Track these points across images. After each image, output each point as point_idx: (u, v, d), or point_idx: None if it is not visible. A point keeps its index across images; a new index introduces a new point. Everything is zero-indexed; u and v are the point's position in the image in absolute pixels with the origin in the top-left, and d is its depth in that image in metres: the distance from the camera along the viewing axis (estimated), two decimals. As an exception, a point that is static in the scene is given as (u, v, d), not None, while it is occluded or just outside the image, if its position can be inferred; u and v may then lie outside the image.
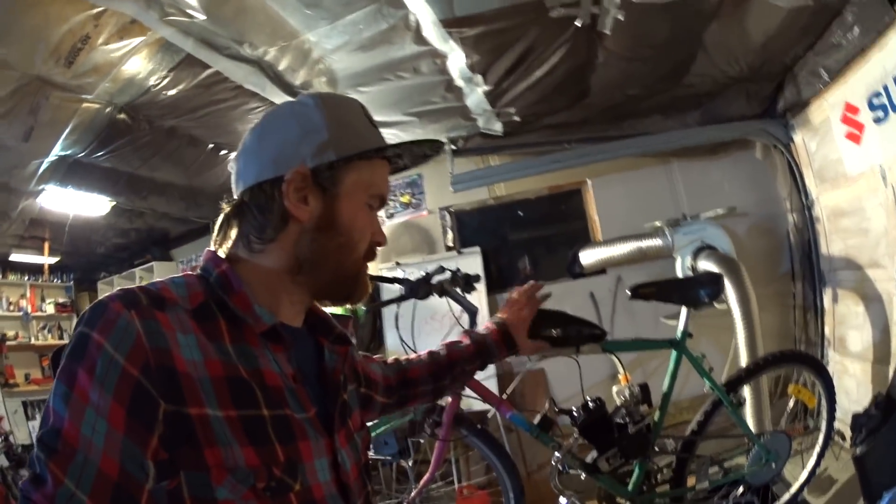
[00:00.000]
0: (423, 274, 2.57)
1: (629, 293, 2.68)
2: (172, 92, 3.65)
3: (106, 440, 0.81)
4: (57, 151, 4.20)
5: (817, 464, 3.07)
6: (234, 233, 1.10)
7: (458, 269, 2.67)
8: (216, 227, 1.12)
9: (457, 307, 2.64)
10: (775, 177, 4.40)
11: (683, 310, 2.75)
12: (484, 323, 1.93)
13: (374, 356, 1.58)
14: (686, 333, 2.75)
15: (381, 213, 4.77)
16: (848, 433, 3.16)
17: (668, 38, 3.34)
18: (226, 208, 1.12)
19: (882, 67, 2.98)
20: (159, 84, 3.59)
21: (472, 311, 2.63)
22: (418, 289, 2.51)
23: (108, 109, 3.84)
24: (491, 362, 1.84)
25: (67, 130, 3.94)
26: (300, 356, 1.09)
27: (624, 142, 4.40)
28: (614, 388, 2.79)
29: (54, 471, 0.80)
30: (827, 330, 4.03)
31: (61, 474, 0.80)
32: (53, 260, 6.67)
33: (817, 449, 3.09)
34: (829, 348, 3.98)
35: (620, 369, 2.76)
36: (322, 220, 1.06)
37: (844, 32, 3.16)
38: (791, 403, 3.58)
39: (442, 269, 2.58)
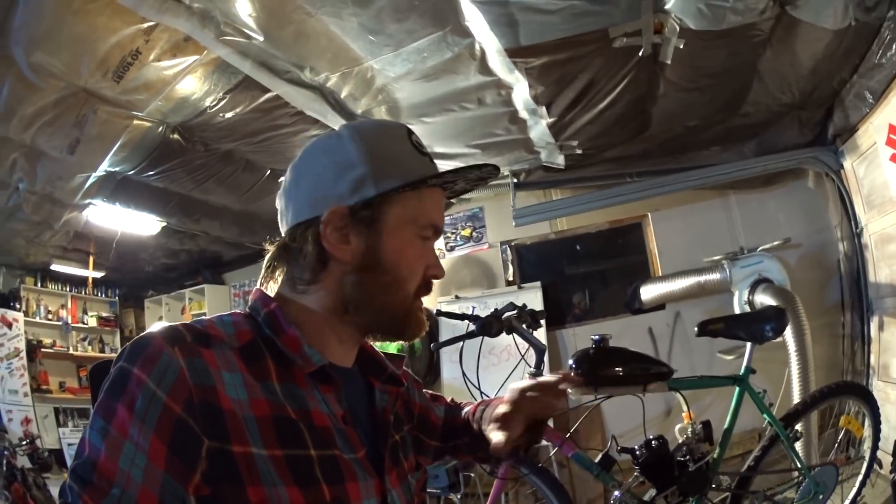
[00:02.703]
0: (494, 310, 2.57)
1: (697, 330, 2.69)
2: (229, 115, 3.61)
3: (145, 475, 0.79)
4: (105, 167, 4.18)
5: (859, 492, 3.09)
6: (279, 273, 1.07)
7: (525, 306, 2.67)
8: (263, 267, 1.10)
9: (522, 343, 2.64)
10: (826, 205, 4.40)
11: (748, 346, 2.75)
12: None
13: (438, 395, 1.46)
14: (749, 369, 2.75)
15: (441, 246, 4.75)
16: (886, 459, 3.19)
17: (725, 66, 3.37)
18: (270, 249, 1.09)
19: None
20: (215, 106, 3.55)
21: (540, 350, 2.63)
22: (491, 326, 2.51)
23: (160, 128, 3.81)
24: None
25: (116, 146, 3.90)
26: (350, 396, 1.04)
27: (683, 174, 4.42)
28: (677, 426, 2.78)
29: (88, 503, 0.78)
30: (872, 358, 4.02)
31: None
32: (98, 274, 6.69)
33: (860, 478, 3.11)
34: (874, 377, 3.97)
35: (684, 407, 2.76)
36: (366, 258, 1.01)
37: (884, 51, 3.21)
38: (841, 435, 3.54)
39: (513, 307, 2.57)
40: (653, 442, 2.59)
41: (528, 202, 4.68)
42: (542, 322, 2.79)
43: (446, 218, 5.07)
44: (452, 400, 1.49)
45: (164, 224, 5.31)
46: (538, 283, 4.91)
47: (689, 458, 2.63)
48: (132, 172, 4.30)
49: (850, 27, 3.04)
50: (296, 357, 0.96)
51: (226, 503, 0.84)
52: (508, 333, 2.59)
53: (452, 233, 5.26)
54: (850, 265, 4.23)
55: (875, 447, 3.03)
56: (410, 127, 1.10)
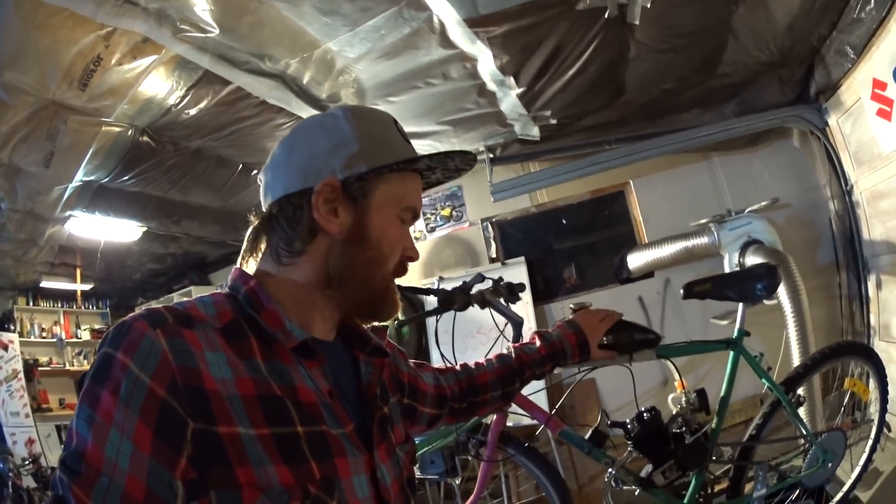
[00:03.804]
0: (461, 284, 2.39)
1: (683, 293, 2.51)
2: (194, 111, 3.52)
3: (131, 462, 0.78)
4: (80, 177, 4.11)
5: (869, 458, 2.91)
6: (262, 246, 1.07)
7: (501, 278, 2.50)
8: (246, 239, 1.10)
9: (501, 319, 2.47)
10: (814, 164, 4.24)
11: (740, 307, 2.57)
12: (554, 323, 1.87)
13: (421, 362, 1.49)
14: (743, 332, 2.56)
15: (422, 228, 4.60)
16: (894, 422, 3.05)
17: (698, 26, 3.21)
18: (254, 221, 1.09)
19: None
20: (180, 103, 3.46)
21: (517, 322, 2.46)
22: (454, 299, 2.33)
23: (129, 132, 3.73)
24: (562, 366, 1.80)
25: (89, 155, 3.84)
26: (336, 371, 1.04)
27: (663, 138, 4.23)
28: (670, 396, 2.61)
29: (78, 494, 0.77)
30: (872, 318, 3.87)
31: (85, 497, 0.77)
32: (87, 287, 6.59)
33: (869, 443, 2.92)
34: (875, 337, 3.82)
35: (676, 375, 2.57)
36: (352, 232, 1.03)
37: (863, 6, 3.08)
38: (846, 398, 3.36)
39: (481, 278, 2.40)
40: (644, 414, 2.40)
41: (505, 177, 4.51)
42: (523, 296, 2.61)
43: (425, 199, 4.93)
44: (437, 369, 1.54)
45: (145, 229, 5.17)
46: (522, 259, 4.78)
47: (686, 430, 2.45)
48: (107, 179, 4.22)
49: None
50: (277, 333, 0.96)
51: (214, 485, 0.82)
52: (483, 308, 2.42)
53: (432, 213, 5.12)
54: (843, 224, 4.06)
55: (884, 409, 2.87)
56: (376, 105, 1.08)
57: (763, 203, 3.96)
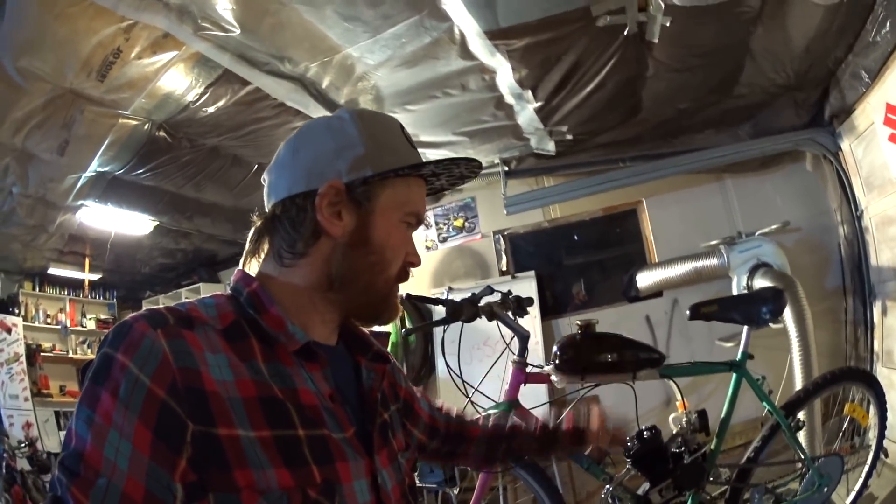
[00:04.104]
0: (470, 295, 2.41)
1: (689, 313, 2.53)
2: (211, 109, 3.53)
3: (130, 463, 0.77)
4: (94, 167, 4.11)
5: (865, 483, 2.94)
6: (265, 248, 1.06)
7: (510, 292, 2.52)
8: (248, 240, 1.10)
9: (508, 332, 2.49)
10: (825, 188, 4.23)
11: (745, 329, 2.59)
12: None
13: (427, 397, 1.48)
14: (746, 354, 2.58)
15: (434, 238, 4.61)
16: (892, 448, 3.09)
17: (716, 45, 3.23)
18: (257, 222, 1.09)
19: None
20: (198, 101, 3.46)
21: (523, 336, 2.49)
22: (462, 311, 2.35)
23: (146, 126, 3.73)
24: (552, 451, 1.73)
25: (104, 146, 3.83)
26: (337, 375, 1.03)
27: (678, 158, 4.25)
28: (671, 416, 2.62)
29: (76, 495, 0.76)
30: (875, 344, 3.88)
31: (83, 498, 0.76)
32: (95, 276, 6.58)
33: (866, 468, 2.95)
34: (878, 363, 3.83)
35: (678, 395, 2.59)
36: (355, 236, 1.02)
37: (878, 28, 3.08)
38: (846, 423, 3.37)
39: (490, 291, 2.42)
40: (645, 433, 2.42)
41: (519, 190, 4.51)
42: (529, 309, 2.64)
43: (438, 209, 5.09)
44: (457, 410, 1.53)
45: (157, 223, 5.17)
46: (532, 273, 4.76)
47: (685, 450, 2.47)
48: (121, 172, 4.21)
49: (842, 3, 2.89)
50: (279, 335, 0.95)
51: (213, 488, 0.82)
52: (490, 320, 2.44)
53: (445, 223, 5.12)
54: (851, 249, 4.06)
55: (881, 435, 2.88)
56: (395, 115, 1.09)
57: (774, 226, 3.97)
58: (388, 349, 4.74)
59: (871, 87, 3.37)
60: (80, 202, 4.56)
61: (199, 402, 0.82)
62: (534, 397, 2.65)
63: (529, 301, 2.56)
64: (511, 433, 1.60)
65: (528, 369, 2.50)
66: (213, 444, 0.82)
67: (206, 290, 6.61)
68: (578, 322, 2.40)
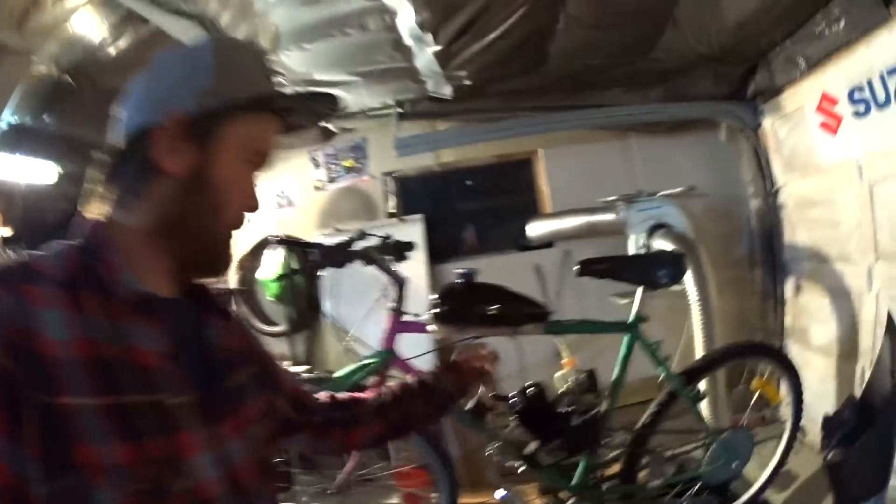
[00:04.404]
0: (344, 240, 2.17)
1: (578, 269, 2.33)
2: (114, 51, 3.25)
3: None
4: (7, 118, 3.70)
5: (781, 463, 2.82)
6: (107, 189, 0.94)
7: (389, 236, 2.30)
8: (90, 182, 0.98)
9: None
10: (739, 160, 4.14)
11: (639, 291, 2.40)
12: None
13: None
14: (640, 317, 2.40)
15: (322, 178, 4.27)
16: (809, 427, 2.99)
17: (637, 7, 3.02)
18: (100, 159, 0.96)
19: (868, 63, 2.75)
20: (101, 42, 3.19)
21: (399, 282, 2.27)
22: (333, 255, 2.12)
23: (52, 71, 3.43)
24: (436, 403, 1.49)
25: (16, 96, 3.48)
26: (178, 332, 0.91)
27: (580, 112, 4.04)
28: (556, 374, 2.43)
29: None
30: (788, 319, 3.81)
31: None
32: (7, 232, 6.10)
33: (781, 447, 2.83)
34: (790, 339, 3.75)
35: (564, 353, 2.40)
36: (194, 174, 0.91)
37: (829, 25, 2.92)
38: (755, 397, 3.24)
39: (363, 235, 2.19)
40: (528, 389, 2.23)
41: (412, 133, 4.25)
42: (413, 255, 2.41)
43: (330, 149, 4.77)
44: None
45: (62, 171, 4.78)
46: (419, 216, 4.50)
47: (574, 410, 2.28)
48: (30, 120, 3.84)
49: None
50: (115, 285, 0.85)
51: (57, 467, 0.72)
52: (367, 265, 2.21)
53: (335, 164, 4.79)
54: (762, 223, 3.99)
55: (798, 416, 2.79)
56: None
57: (678, 189, 3.77)
58: (272, 291, 4.50)
59: (807, 74, 3.25)
60: (-7, 154, 4.24)
61: (37, 366, 0.73)
62: (419, 348, 2.40)
63: (409, 245, 2.35)
64: (397, 396, 1.42)
65: (405, 318, 2.27)
66: (53, 416, 0.73)
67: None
68: (458, 271, 2.18)
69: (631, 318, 2.41)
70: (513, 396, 2.24)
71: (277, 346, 4.45)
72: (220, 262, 0.99)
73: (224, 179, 0.93)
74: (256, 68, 1.00)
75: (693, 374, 2.56)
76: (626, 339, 2.40)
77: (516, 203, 4.65)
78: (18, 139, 4.10)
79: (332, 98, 0.90)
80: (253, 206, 1.00)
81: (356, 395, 1.40)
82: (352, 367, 2.21)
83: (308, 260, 4.16)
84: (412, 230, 4.32)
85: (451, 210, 4.78)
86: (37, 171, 4.68)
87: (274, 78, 1.04)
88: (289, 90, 3.82)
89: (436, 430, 2.49)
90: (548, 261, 4.29)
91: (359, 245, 2.18)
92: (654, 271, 2.44)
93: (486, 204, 4.81)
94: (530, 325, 2.17)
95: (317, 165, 4.74)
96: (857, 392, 2.82)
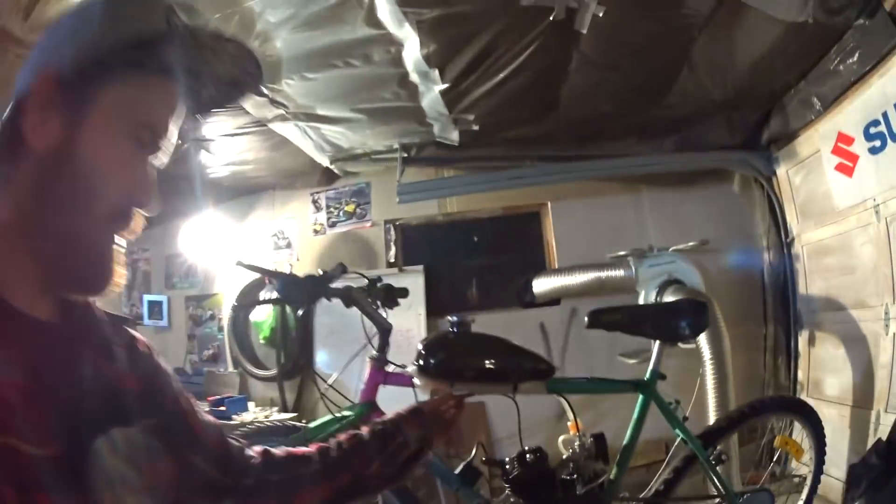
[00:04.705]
0: (320, 273, 1.88)
1: (587, 320, 2.04)
2: None
3: None
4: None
5: None
6: None
7: (380, 278, 2.02)
8: None
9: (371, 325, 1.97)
10: (753, 212, 3.84)
11: (656, 345, 2.10)
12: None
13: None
14: (657, 374, 2.10)
15: (323, 222, 4.01)
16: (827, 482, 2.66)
17: (651, 46, 2.79)
18: None
19: (882, 94, 2.60)
20: None
21: (384, 329, 1.97)
22: (295, 289, 1.81)
23: None
24: (400, 450, 1.17)
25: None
26: (47, 361, 0.66)
27: (592, 162, 3.78)
28: (561, 438, 2.13)
29: None
30: (800, 374, 3.53)
31: None
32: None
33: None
34: (802, 393, 3.46)
35: (570, 415, 2.08)
36: (59, 150, 0.67)
37: (844, 59, 2.77)
38: (765, 452, 2.94)
39: (344, 269, 1.89)
40: (528, 455, 1.92)
41: (416, 179, 4.00)
42: (415, 306, 2.12)
43: (331, 192, 4.48)
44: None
45: None
46: (420, 267, 4.19)
47: (577, 478, 1.97)
48: None
49: (805, 27, 2.54)
50: None
51: None
52: (347, 306, 1.92)
53: (336, 207, 4.55)
54: (776, 276, 3.68)
55: (819, 471, 2.48)
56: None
57: (690, 243, 3.48)
58: (265, 334, 4.21)
59: (822, 116, 3.06)
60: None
61: None
62: (405, 402, 2.09)
63: (402, 292, 2.04)
64: (346, 451, 1.10)
65: (390, 368, 1.98)
66: None
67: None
68: (451, 318, 1.89)
69: (647, 375, 2.11)
70: (509, 462, 1.95)
71: (268, 392, 4.20)
72: (92, 273, 0.72)
73: (95, 158, 0.69)
74: (159, 24, 0.74)
75: (712, 435, 2.24)
76: (640, 399, 2.09)
77: (522, 258, 4.35)
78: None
79: (247, 53, 0.65)
80: (140, 198, 0.74)
81: (296, 450, 1.08)
82: (326, 418, 1.90)
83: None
84: (413, 281, 4.05)
85: (453, 263, 4.45)
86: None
87: (180, 38, 0.75)
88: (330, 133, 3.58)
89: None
90: (554, 318, 4.01)
91: (338, 284, 1.89)
92: (675, 323, 2.14)
93: (490, 258, 4.46)
94: (531, 383, 1.88)
95: (318, 208, 4.51)
96: (870, 439, 2.61)
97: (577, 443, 2.01)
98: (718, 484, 2.17)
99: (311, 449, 1.08)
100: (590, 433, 2.05)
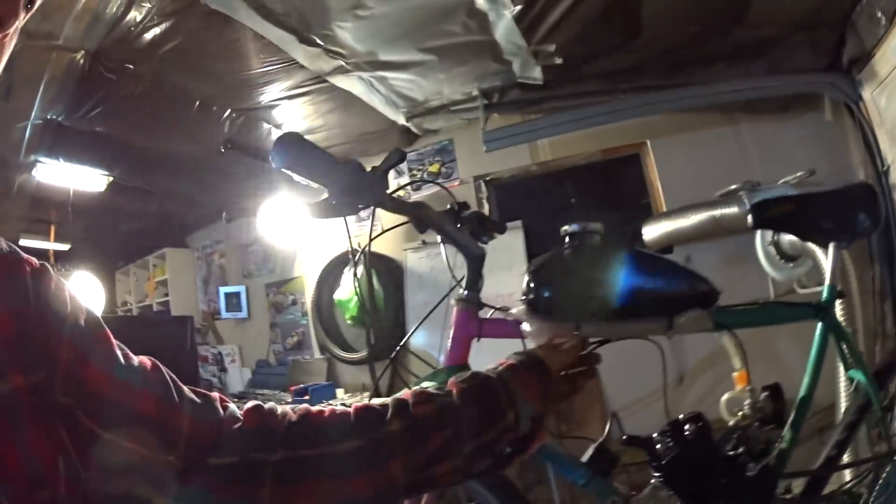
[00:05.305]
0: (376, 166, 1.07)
1: (751, 218, 1.22)
2: (137, 26, 2.39)
3: None
4: (38, 112, 2.91)
5: None
6: None
7: (466, 203, 1.20)
8: None
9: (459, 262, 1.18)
10: (847, 141, 3.00)
11: (830, 250, 1.28)
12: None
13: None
14: (835, 291, 1.26)
15: (403, 183, 2.82)
16: None
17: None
18: None
19: None
20: (120, 13, 2.32)
21: (473, 256, 1.14)
22: (356, 191, 0.97)
23: (79, 57, 2.58)
24: (500, 418, 0.62)
25: (43, 85, 2.69)
26: None
27: (685, 90, 2.97)
28: (724, 397, 1.29)
29: None
30: None
31: None
32: (63, 247, 4.94)
33: None
34: None
35: (736, 361, 1.26)
36: None
37: None
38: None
39: (402, 155, 1.04)
40: (686, 425, 1.09)
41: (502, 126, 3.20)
42: (497, 234, 1.27)
43: (412, 153, 3.56)
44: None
45: (110, 178, 3.71)
46: (519, 223, 3.40)
47: (746, 454, 1.14)
48: (64, 117, 3.02)
49: None
50: None
51: None
52: (421, 230, 1.10)
53: (419, 169, 3.76)
54: (878, 210, 2.77)
55: None
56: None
57: (799, 174, 2.66)
58: (351, 313, 3.47)
59: (889, 31, 2.41)
60: (32, 157, 3.30)
61: None
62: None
63: (500, 226, 1.20)
64: (413, 420, 0.58)
65: (486, 313, 1.17)
66: None
67: (172, 255, 5.27)
68: (569, 228, 1.09)
69: (825, 294, 1.28)
70: (660, 439, 1.12)
71: (359, 377, 3.48)
72: None
73: None
74: None
75: (883, 375, 1.41)
76: (819, 326, 1.27)
77: (626, 205, 3.57)
78: (57, 140, 3.21)
79: None
80: None
81: (322, 412, 0.58)
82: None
83: (394, 279, 3.16)
84: (511, 240, 3.32)
85: (554, 216, 3.59)
86: (83, 179, 3.75)
87: None
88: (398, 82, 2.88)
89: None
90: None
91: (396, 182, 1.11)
92: (851, 215, 1.31)
93: (593, 207, 3.68)
94: (692, 315, 1.07)
95: (399, 173, 3.69)
96: None
97: (747, 401, 1.18)
98: (888, 435, 1.35)
99: (347, 410, 0.58)
100: (760, 387, 1.22)
